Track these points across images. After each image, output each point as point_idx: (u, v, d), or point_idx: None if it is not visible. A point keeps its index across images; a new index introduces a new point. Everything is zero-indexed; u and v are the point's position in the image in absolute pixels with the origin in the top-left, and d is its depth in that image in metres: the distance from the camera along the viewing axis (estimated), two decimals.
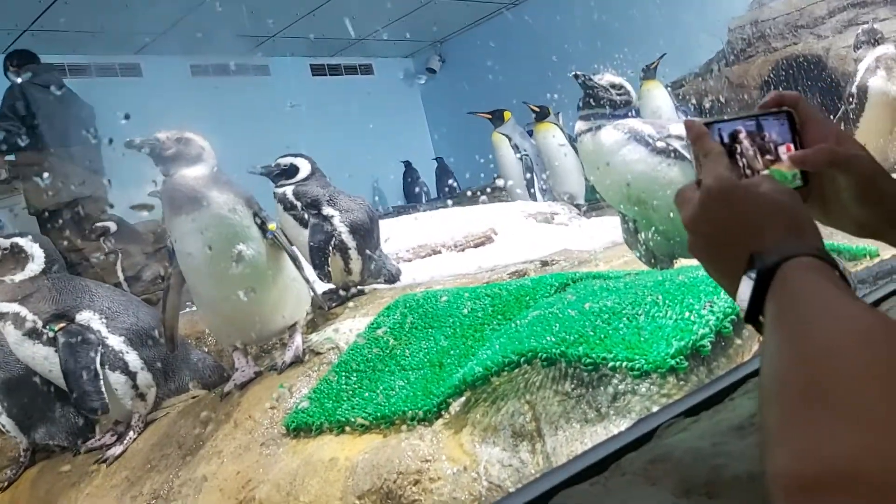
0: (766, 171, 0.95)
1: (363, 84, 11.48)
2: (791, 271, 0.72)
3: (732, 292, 0.81)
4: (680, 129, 2.27)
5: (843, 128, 3.51)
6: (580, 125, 2.37)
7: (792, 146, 0.98)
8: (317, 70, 11.15)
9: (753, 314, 0.75)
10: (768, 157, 0.96)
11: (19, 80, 5.66)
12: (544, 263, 3.45)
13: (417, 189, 10.63)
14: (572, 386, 1.71)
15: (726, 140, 0.94)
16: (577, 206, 5.51)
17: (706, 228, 0.85)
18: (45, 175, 5.56)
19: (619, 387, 1.63)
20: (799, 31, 6.95)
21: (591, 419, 1.64)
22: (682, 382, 1.60)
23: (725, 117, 0.97)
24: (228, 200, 2.46)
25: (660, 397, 1.58)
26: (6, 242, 2.81)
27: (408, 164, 10.60)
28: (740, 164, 0.94)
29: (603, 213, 5.14)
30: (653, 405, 1.57)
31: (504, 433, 1.79)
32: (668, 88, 6.52)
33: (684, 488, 0.97)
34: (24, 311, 2.67)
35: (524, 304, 2.26)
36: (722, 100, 6.66)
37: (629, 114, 2.37)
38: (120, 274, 5.69)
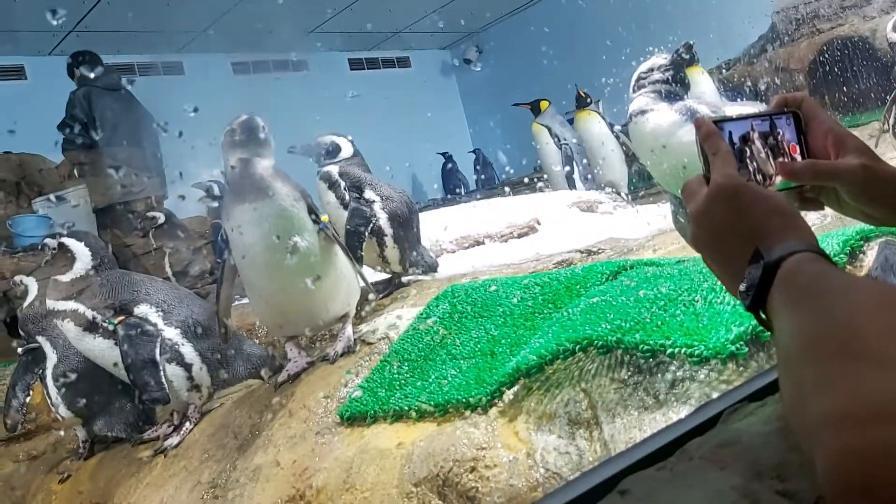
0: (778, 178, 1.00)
1: (401, 77, 11.51)
2: (799, 263, 0.80)
3: (731, 285, 0.91)
4: (737, 110, 2.25)
5: None
6: (636, 106, 2.35)
7: (797, 146, 1.02)
8: (355, 64, 11.22)
9: (756, 304, 0.84)
10: (781, 159, 1.01)
11: (85, 82, 5.83)
12: (590, 252, 3.43)
13: (456, 181, 10.64)
14: (629, 373, 1.71)
15: (735, 140, 0.99)
16: (621, 195, 5.46)
17: (711, 223, 0.92)
18: (105, 173, 5.73)
19: (678, 373, 1.62)
20: (845, 12, 6.80)
21: (649, 406, 1.64)
22: (741, 368, 1.59)
23: (734, 116, 1.02)
24: (289, 192, 2.49)
25: (719, 383, 1.57)
26: (54, 242, 2.88)
27: (446, 156, 10.60)
28: (750, 166, 0.99)
29: (646, 202, 5.10)
30: (712, 391, 1.56)
31: (560, 421, 1.79)
32: (715, 73, 6.43)
33: (755, 471, 0.97)
34: (81, 308, 2.74)
35: (575, 293, 2.25)
36: (768, 84, 6.55)
37: (684, 96, 2.35)
38: (168, 269, 5.81)
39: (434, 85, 11.88)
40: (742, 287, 0.88)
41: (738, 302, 1.69)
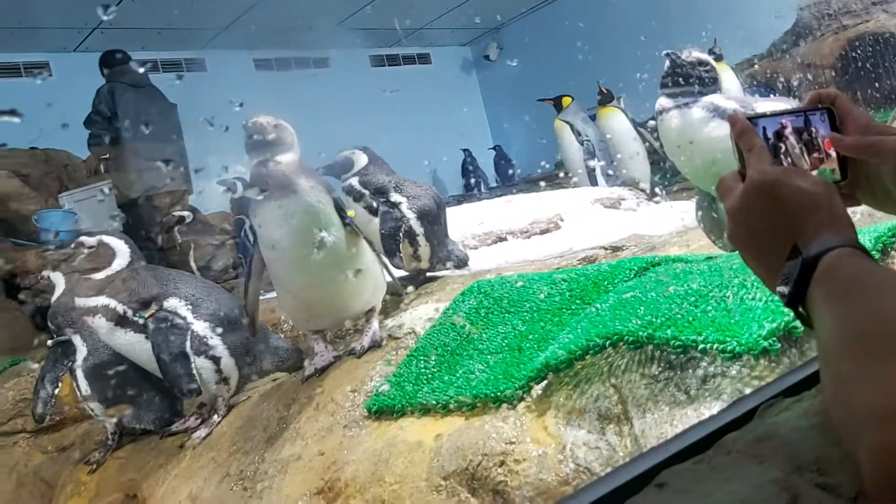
0: (814, 173, 1.00)
1: (421, 74, 11.52)
2: (838, 259, 0.80)
3: (769, 280, 0.91)
4: (767, 106, 2.25)
5: None
6: (663, 102, 2.35)
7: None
8: (375, 61, 11.24)
9: (795, 300, 0.84)
10: (815, 154, 1.01)
11: (112, 78, 5.92)
12: (615, 249, 3.43)
13: (476, 177, 10.64)
14: (659, 369, 1.71)
15: (770, 135, 0.99)
16: (644, 191, 5.45)
17: (748, 219, 0.92)
18: (130, 168, 5.81)
19: (709, 369, 1.62)
20: (870, 9, 6.74)
21: (680, 402, 1.64)
22: (773, 364, 1.59)
23: (768, 112, 1.02)
24: (315, 188, 2.51)
25: (751, 379, 1.57)
26: (93, 241, 2.92)
27: (467, 153, 10.61)
28: (784, 162, 0.99)
29: (671, 198, 5.08)
30: (745, 387, 1.56)
31: (589, 416, 1.79)
32: (739, 69, 6.40)
33: (794, 465, 0.97)
34: (112, 303, 2.78)
35: (603, 289, 2.25)
36: (800, 80, 6.50)
37: (714, 92, 2.34)
38: (193, 264, 5.86)
39: (454, 81, 11.88)
40: (780, 283, 0.88)
41: (771, 298, 1.70)
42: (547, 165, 8.14)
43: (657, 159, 5.72)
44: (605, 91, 6.52)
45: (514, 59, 10.83)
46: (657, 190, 5.12)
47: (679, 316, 1.72)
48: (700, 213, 2.41)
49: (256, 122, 2.51)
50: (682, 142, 2.27)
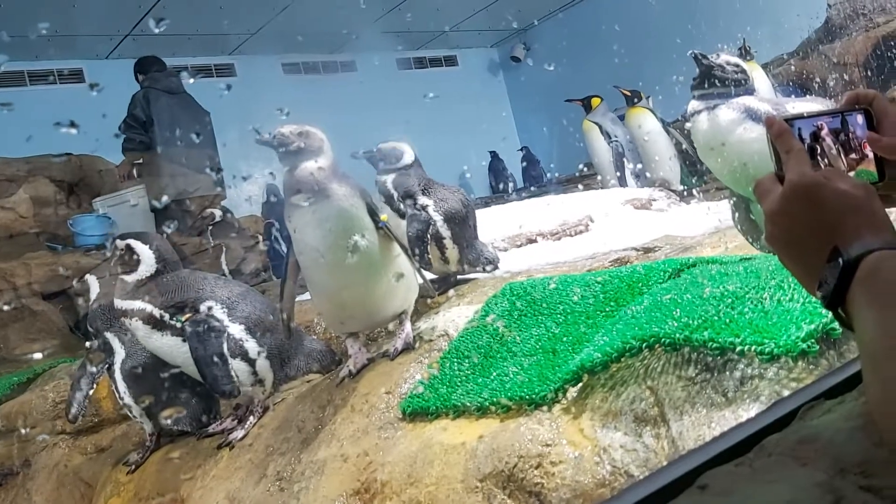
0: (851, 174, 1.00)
1: (448, 76, 11.55)
2: (879, 261, 0.81)
3: (808, 283, 0.92)
4: (799, 107, 2.23)
5: None
6: (694, 105, 2.34)
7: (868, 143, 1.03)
8: (402, 64, 11.28)
9: (835, 302, 0.85)
10: (853, 156, 1.01)
11: (147, 84, 6.02)
12: (647, 250, 3.41)
13: (504, 179, 10.64)
14: (696, 371, 1.71)
15: (807, 137, 1.00)
16: (675, 192, 5.42)
17: (787, 222, 0.92)
18: (162, 173, 5.89)
19: (747, 371, 1.62)
20: None
21: (717, 404, 1.64)
22: (811, 366, 1.58)
23: (805, 114, 1.02)
24: (347, 192, 2.54)
25: (789, 381, 1.57)
26: (122, 243, 2.97)
27: (494, 155, 10.61)
28: (821, 163, 1.00)
29: (701, 199, 5.04)
30: (783, 389, 1.56)
31: (625, 418, 1.80)
32: (769, 68, 6.34)
33: (838, 468, 0.97)
34: (149, 307, 2.82)
35: (637, 291, 2.25)
36: (825, 79, 6.43)
37: (745, 93, 2.33)
38: (224, 267, 5.93)
39: (481, 83, 11.90)
40: (820, 285, 0.88)
41: (809, 299, 1.69)
42: (573, 168, 8.14)
43: (692, 159, 5.69)
44: (627, 93, 6.50)
45: (544, 61, 10.81)
46: (694, 191, 5.08)
47: (716, 318, 1.72)
48: (737, 214, 2.40)
49: (279, 134, 2.55)
50: (715, 144, 2.27)
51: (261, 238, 7.11)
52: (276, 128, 2.53)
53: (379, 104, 9.40)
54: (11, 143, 7.09)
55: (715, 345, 1.64)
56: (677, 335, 1.72)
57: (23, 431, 3.98)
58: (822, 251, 0.88)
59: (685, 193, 5.38)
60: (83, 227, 6.67)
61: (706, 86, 2.33)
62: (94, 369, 3.17)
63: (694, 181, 5.51)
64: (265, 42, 9.74)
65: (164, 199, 6.24)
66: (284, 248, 6.69)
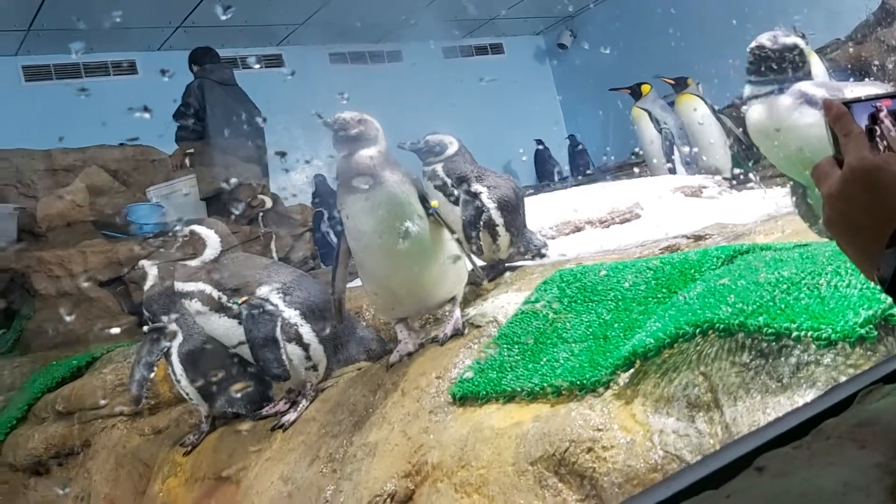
0: None
1: (494, 64, 11.51)
2: None
3: (866, 268, 0.91)
4: (856, 92, 2.19)
5: None
6: (749, 90, 2.31)
7: None
8: (448, 53, 11.28)
9: (894, 287, 0.84)
10: None
11: (201, 75, 6.14)
12: (697, 238, 3.38)
13: (550, 167, 10.59)
14: (750, 357, 1.70)
15: (865, 120, 0.97)
16: (726, 179, 5.34)
17: (846, 206, 0.91)
18: (213, 162, 6.01)
19: (802, 357, 1.60)
20: None
21: (772, 390, 1.63)
22: (869, 352, 1.56)
23: (863, 97, 1.00)
24: (399, 179, 2.57)
25: (846, 367, 1.55)
26: (186, 230, 3.05)
27: (540, 143, 10.56)
28: (880, 145, 0.97)
29: (758, 184, 4.95)
30: (839, 375, 1.54)
31: (678, 404, 1.79)
32: (823, 53, 6.20)
33: None
34: (208, 289, 2.91)
35: (689, 277, 2.24)
36: (881, 64, 6.26)
37: (802, 77, 2.29)
38: (274, 254, 6.02)
39: (528, 71, 11.83)
40: (879, 270, 0.88)
41: (867, 285, 1.67)
42: (613, 158, 8.06)
43: (743, 146, 5.60)
44: (671, 82, 6.42)
45: (591, 48, 10.71)
46: (751, 175, 4.98)
47: (771, 303, 1.71)
48: (795, 199, 2.37)
49: (340, 119, 2.58)
50: (770, 129, 2.24)
51: (310, 227, 7.22)
52: (337, 113, 2.57)
53: (425, 93, 9.42)
54: (69, 133, 7.29)
55: (770, 330, 1.63)
56: (731, 321, 1.71)
57: (83, 413, 4.12)
58: (881, 236, 0.87)
59: (737, 181, 5.30)
60: (137, 216, 6.82)
61: (761, 71, 2.30)
62: (152, 353, 3.26)
63: (750, 165, 5.41)
64: (312, 32, 9.83)
65: (215, 188, 6.36)
66: (333, 237, 6.77)
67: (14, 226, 6.70)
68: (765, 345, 1.67)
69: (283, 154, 6.62)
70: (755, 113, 2.28)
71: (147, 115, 5.91)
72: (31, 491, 4.15)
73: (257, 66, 9.63)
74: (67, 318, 6.13)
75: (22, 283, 6.43)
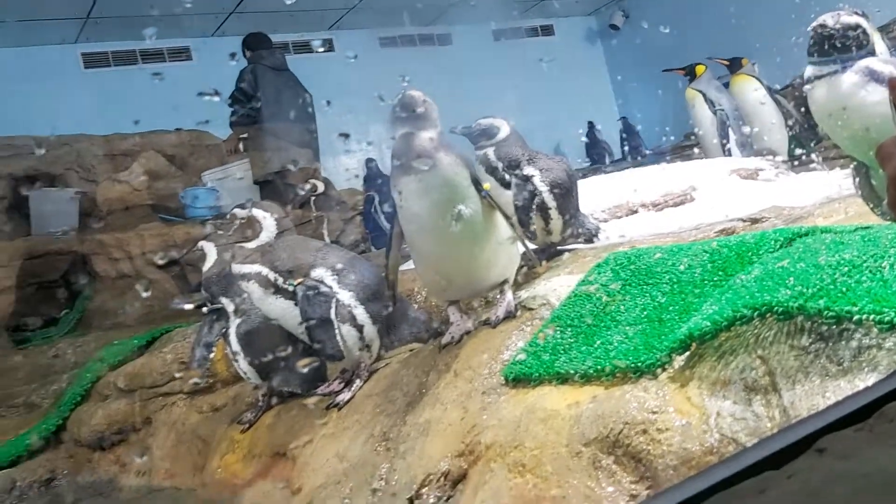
0: None
1: (545, 46, 11.42)
2: None
3: None
4: None
5: None
6: (811, 70, 2.26)
7: None
8: (498, 35, 11.22)
9: None
10: None
11: (254, 60, 6.24)
12: (754, 221, 3.33)
13: (600, 150, 10.49)
14: (809, 340, 1.68)
15: None
16: (783, 161, 5.23)
17: None
18: (266, 147, 6.10)
19: (864, 341, 1.58)
20: None
21: (832, 374, 1.61)
22: None
23: None
24: (452, 162, 2.58)
25: None
26: (243, 213, 3.12)
27: (591, 125, 10.46)
28: None
29: (820, 165, 4.84)
30: None
31: (735, 387, 1.78)
32: (884, 32, 6.01)
33: None
34: (264, 271, 2.97)
35: (747, 260, 2.21)
36: None
37: (866, 55, 2.24)
38: (326, 238, 6.10)
39: (579, 52, 11.71)
40: None
41: None
42: (672, 138, 7.94)
43: (801, 127, 5.47)
44: (725, 62, 6.28)
45: (644, 28, 10.53)
46: (813, 156, 4.87)
47: (832, 286, 1.68)
48: (857, 180, 2.32)
49: (410, 96, 2.60)
50: (834, 109, 2.19)
51: (360, 210, 7.29)
52: (402, 92, 2.59)
53: (475, 76, 9.40)
54: (127, 119, 7.45)
55: (830, 314, 1.61)
56: (791, 304, 1.69)
57: (144, 391, 4.24)
58: None
59: (798, 161, 5.18)
60: (193, 200, 6.97)
61: (824, 50, 2.25)
62: (211, 333, 3.35)
63: (812, 145, 5.28)
64: (363, 16, 9.87)
65: (268, 172, 6.46)
66: (383, 220, 6.83)
67: (76, 210, 6.90)
68: (825, 328, 1.65)
69: (346, 136, 6.69)
70: (819, 92, 2.23)
71: (216, 99, 6.02)
72: (94, 465, 4.29)
73: (322, 49, 9.69)
74: (126, 300, 6.31)
75: (83, 265, 6.63)
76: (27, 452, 4.33)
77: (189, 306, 3.32)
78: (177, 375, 4.01)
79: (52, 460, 4.35)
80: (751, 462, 1.00)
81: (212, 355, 3.43)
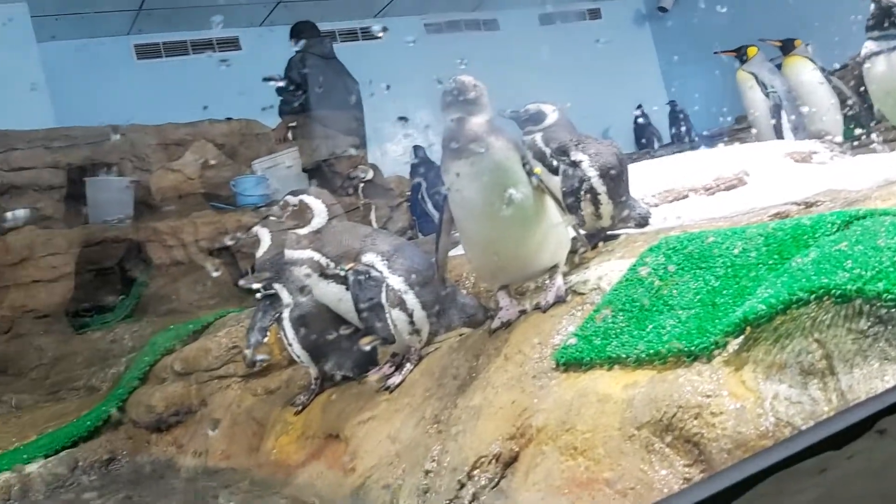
0: None
1: (592, 29, 11.30)
2: None
3: None
4: None
5: None
6: (870, 45, 2.22)
7: None
8: (545, 19, 11.14)
9: None
10: None
11: (303, 48, 6.30)
12: (808, 205, 3.26)
13: (649, 134, 10.37)
14: (868, 324, 1.66)
15: None
16: (838, 144, 5.10)
17: None
18: (314, 135, 6.17)
19: None
20: None
21: (891, 357, 1.59)
22: None
23: None
24: (503, 146, 2.59)
25: None
26: (295, 200, 3.18)
27: (640, 109, 10.34)
28: None
29: (881, 146, 4.71)
30: None
31: (791, 371, 1.77)
32: None
33: None
34: (316, 256, 3.03)
35: (802, 244, 2.18)
36: None
37: None
38: (374, 224, 6.15)
39: (626, 35, 11.56)
40: None
41: None
42: (730, 119, 7.80)
43: (856, 109, 5.34)
44: (778, 44, 6.14)
45: (693, 9, 10.34)
46: (873, 136, 4.74)
47: (891, 269, 1.65)
48: None
49: (461, 80, 2.62)
50: (892, 87, 2.14)
51: (407, 197, 7.32)
52: (453, 77, 2.61)
53: (522, 61, 9.34)
54: (177, 108, 7.59)
55: (890, 297, 1.58)
56: (848, 287, 1.67)
57: (199, 374, 4.35)
58: None
59: (855, 142, 5.05)
60: (244, 188, 7.08)
61: (884, 26, 2.19)
62: (265, 318, 3.42)
63: (872, 126, 5.13)
64: (409, 3, 9.88)
65: (317, 159, 6.53)
66: (431, 207, 6.85)
67: (130, 198, 7.06)
68: (884, 311, 1.63)
69: (405, 119, 6.74)
70: (878, 69, 2.19)
71: (282, 84, 6.10)
72: (152, 446, 4.42)
73: (380, 34, 9.71)
74: (180, 286, 6.45)
75: (138, 253, 6.79)
76: (88, 433, 4.48)
77: (257, 285, 3.38)
78: (231, 359, 4.10)
79: (112, 441, 4.49)
80: (811, 442, 1.00)
81: (266, 340, 3.50)
